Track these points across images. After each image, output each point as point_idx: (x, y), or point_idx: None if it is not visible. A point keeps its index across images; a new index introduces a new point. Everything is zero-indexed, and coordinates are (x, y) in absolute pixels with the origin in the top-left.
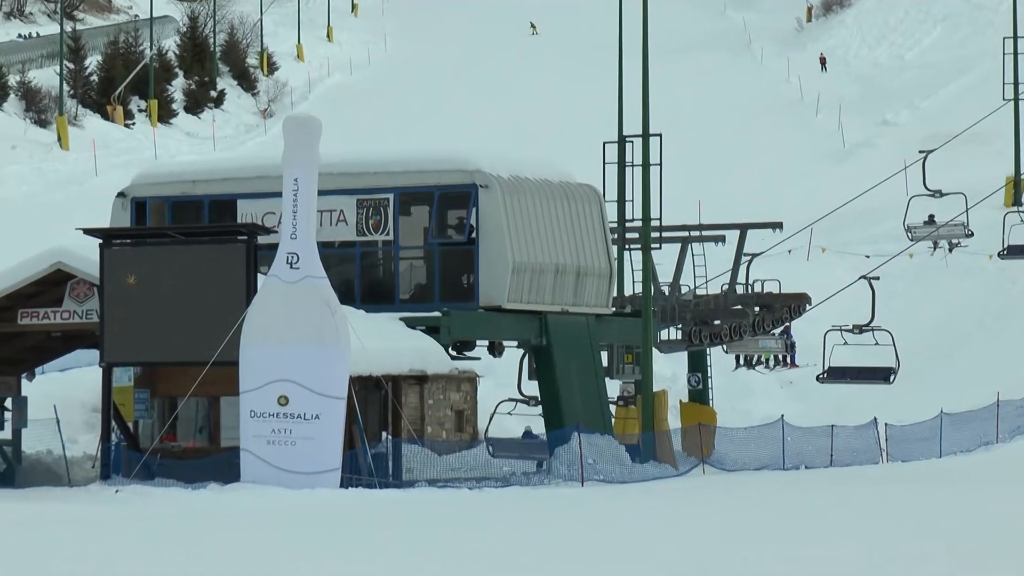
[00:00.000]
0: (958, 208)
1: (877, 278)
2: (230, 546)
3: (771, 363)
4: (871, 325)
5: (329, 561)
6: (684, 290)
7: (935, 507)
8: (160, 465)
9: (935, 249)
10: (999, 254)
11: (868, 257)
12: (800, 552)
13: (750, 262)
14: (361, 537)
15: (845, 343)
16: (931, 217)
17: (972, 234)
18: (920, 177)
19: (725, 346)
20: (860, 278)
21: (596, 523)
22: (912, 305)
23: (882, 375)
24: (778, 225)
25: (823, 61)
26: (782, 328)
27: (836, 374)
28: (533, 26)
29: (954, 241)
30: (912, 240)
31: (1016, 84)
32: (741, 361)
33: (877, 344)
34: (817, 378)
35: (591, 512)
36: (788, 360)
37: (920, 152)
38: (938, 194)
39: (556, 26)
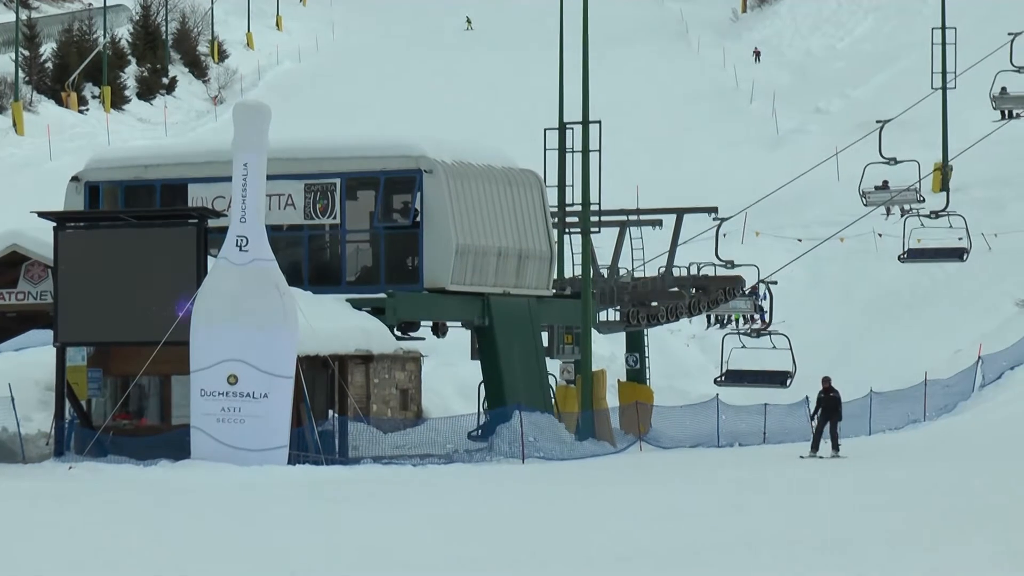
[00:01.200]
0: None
1: (775, 282)
2: (179, 521)
3: (741, 323)
4: (769, 329)
5: (275, 534)
6: (622, 272)
7: (863, 483)
8: (113, 442)
9: (888, 215)
10: (899, 258)
11: (800, 241)
12: (731, 526)
13: (719, 227)
14: (308, 511)
15: (743, 346)
16: (885, 183)
17: (924, 200)
18: (852, 160)
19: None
20: (759, 282)
21: (533, 499)
22: (843, 288)
23: (779, 379)
24: (713, 210)
25: (757, 54)
26: (750, 289)
27: (734, 377)
28: (469, 21)
29: (907, 207)
30: (866, 205)
31: (944, 74)
32: (713, 321)
33: (775, 348)
34: (715, 381)
35: (530, 488)
36: (761, 319)
37: (877, 122)
38: (892, 161)
39: (498, 16)
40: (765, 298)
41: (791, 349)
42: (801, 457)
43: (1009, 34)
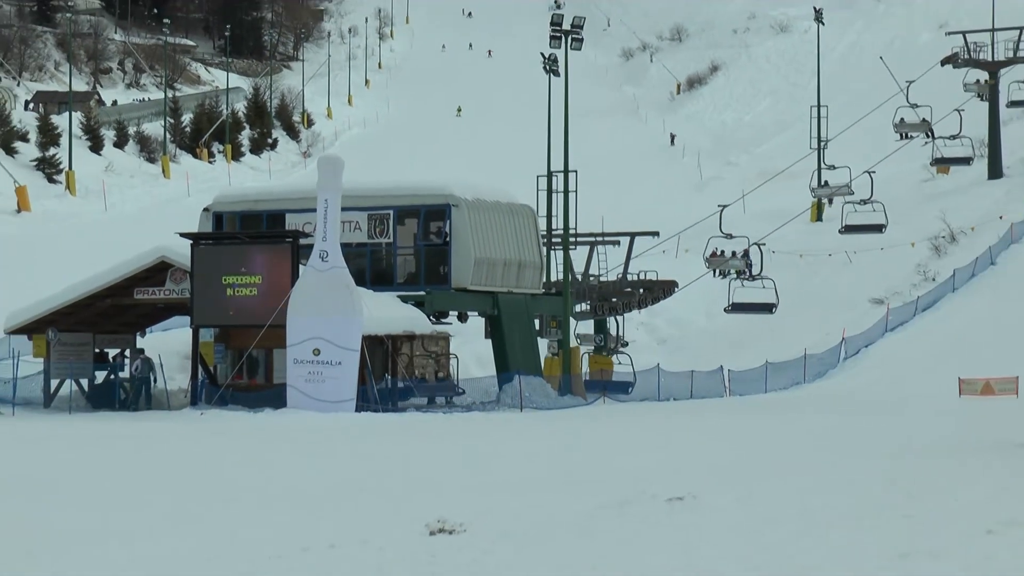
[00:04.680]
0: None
1: (621, 314)
2: (280, 450)
3: (736, 275)
4: (617, 348)
5: (348, 460)
6: (592, 277)
7: (760, 425)
8: (232, 396)
9: (830, 204)
10: (724, 309)
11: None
12: (670, 455)
13: (721, 212)
14: (374, 443)
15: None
16: (826, 182)
17: (853, 192)
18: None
19: (706, 263)
20: (606, 314)
21: (529, 434)
22: (747, 290)
23: (623, 388)
24: (655, 233)
25: (672, 137)
26: (744, 252)
27: (591, 385)
28: (459, 109)
29: (844, 198)
30: (815, 198)
31: (819, 138)
32: (717, 273)
33: (620, 363)
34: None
35: (526, 427)
36: (749, 274)
37: (810, 148)
38: (832, 167)
39: (506, 96)
40: (748, 259)
41: (632, 364)
42: None
43: (907, 81)
